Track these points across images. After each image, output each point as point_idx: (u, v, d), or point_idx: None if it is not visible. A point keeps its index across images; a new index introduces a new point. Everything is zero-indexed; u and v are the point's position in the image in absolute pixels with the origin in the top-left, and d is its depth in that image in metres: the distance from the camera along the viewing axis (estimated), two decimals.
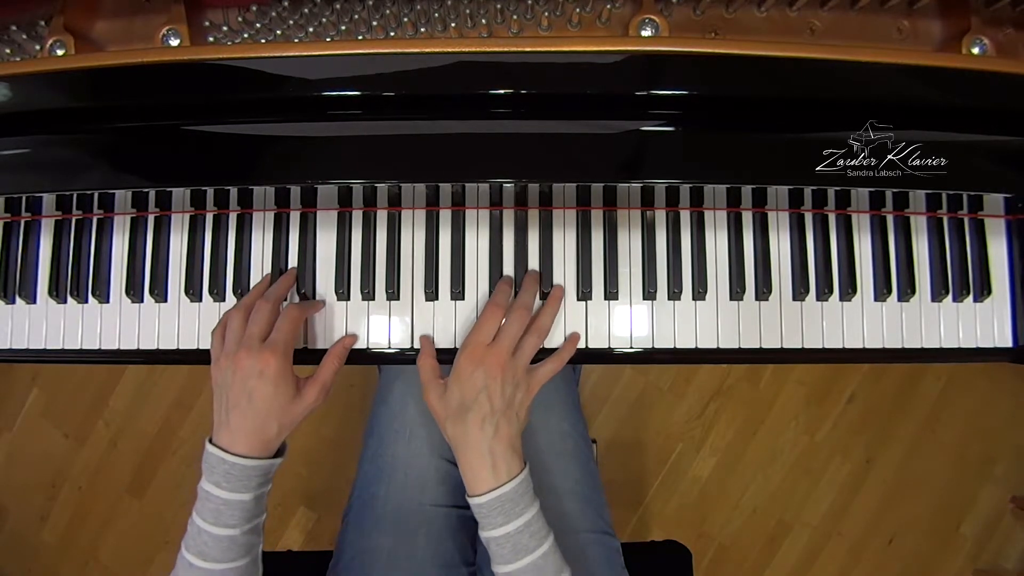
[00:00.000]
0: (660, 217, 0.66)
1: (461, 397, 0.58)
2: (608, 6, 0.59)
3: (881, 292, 0.65)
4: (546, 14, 0.60)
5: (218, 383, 0.58)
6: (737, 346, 0.65)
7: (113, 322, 0.67)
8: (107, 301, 0.67)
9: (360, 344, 0.66)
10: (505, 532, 0.56)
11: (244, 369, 0.56)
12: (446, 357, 0.63)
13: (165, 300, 0.67)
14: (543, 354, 0.62)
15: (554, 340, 0.65)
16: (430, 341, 0.65)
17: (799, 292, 0.65)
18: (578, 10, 0.60)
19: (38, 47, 0.61)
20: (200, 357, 0.66)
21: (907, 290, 0.65)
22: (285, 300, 0.65)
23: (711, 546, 1.45)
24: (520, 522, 0.56)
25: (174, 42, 0.59)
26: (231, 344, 0.58)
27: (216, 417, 0.58)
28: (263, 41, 0.61)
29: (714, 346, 0.65)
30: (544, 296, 0.65)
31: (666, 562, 0.86)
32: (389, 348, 0.66)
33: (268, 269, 0.66)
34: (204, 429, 1.45)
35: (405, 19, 0.59)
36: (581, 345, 0.65)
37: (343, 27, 0.60)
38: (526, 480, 0.58)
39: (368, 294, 0.66)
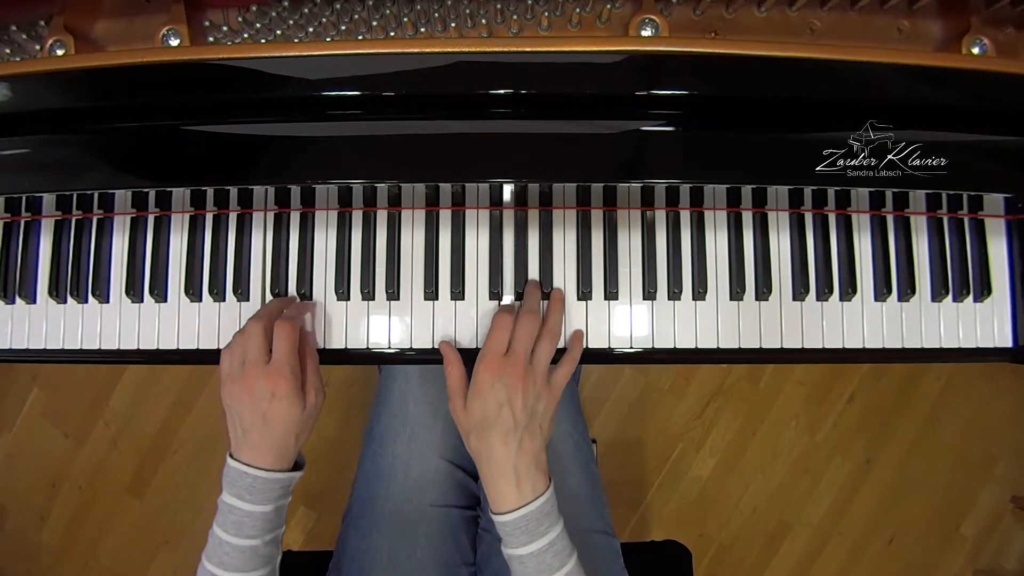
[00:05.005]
0: (660, 217, 0.66)
1: (483, 412, 0.57)
2: (608, 6, 0.59)
3: (881, 292, 0.65)
4: (546, 14, 0.60)
5: (227, 405, 0.59)
6: (737, 346, 0.65)
7: (113, 322, 0.67)
8: (107, 301, 0.67)
9: (360, 344, 0.66)
10: (529, 551, 0.55)
11: (255, 393, 0.57)
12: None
13: (165, 300, 0.67)
14: None
15: None
16: (452, 347, 0.63)
17: (799, 292, 0.65)
18: (578, 10, 0.60)
19: (38, 47, 0.61)
20: (200, 357, 0.66)
21: (907, 290, 0.65)
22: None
23: (711, 546, 1.45)
24: (545, 541, 0.55)
25: (174, 42, 0.59)
26: (233, 369, 0.58)
27: (233, 435, 0.59)
28: (263, 41, 0.61)
29: (714, 346, 0.65)
30: (545, 299, 0.65)
31: (666, 562, 0.86)
32: (389, 348, 0.66)
33: (268, 269, 0.66)
34: (204, 429, 1.45)
35: (405, 19, 0.59)
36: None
37: (343, 27, 0.60)
38: (551, 499, 0.57)
39: (368, 294, 0.66)
